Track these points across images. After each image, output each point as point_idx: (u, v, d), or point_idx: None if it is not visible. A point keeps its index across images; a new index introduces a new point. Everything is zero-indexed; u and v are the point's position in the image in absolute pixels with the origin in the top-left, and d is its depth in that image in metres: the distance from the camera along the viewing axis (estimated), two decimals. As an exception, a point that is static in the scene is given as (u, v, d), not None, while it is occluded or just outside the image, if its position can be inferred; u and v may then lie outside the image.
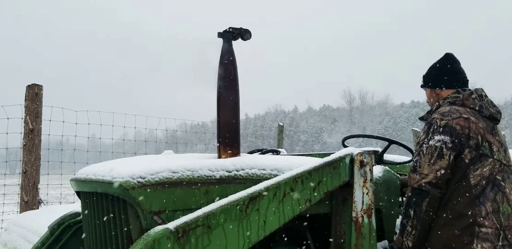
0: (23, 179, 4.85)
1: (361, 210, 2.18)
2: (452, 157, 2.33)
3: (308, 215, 2.24)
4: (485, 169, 2.33)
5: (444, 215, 2.35)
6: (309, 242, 2.34)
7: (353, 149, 2.27)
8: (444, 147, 2.34)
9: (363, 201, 2.19)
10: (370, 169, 2.23)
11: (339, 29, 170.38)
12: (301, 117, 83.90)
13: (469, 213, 2.30)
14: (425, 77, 2.76)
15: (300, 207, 1.97)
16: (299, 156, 2.61)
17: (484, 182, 2.32)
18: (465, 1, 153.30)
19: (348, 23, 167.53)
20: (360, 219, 2.17)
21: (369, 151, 2.26)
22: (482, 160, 2.34)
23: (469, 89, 2.58)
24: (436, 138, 2.37)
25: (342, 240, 2.19)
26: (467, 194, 2.32)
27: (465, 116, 2.39)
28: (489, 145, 2.37)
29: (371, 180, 2.22)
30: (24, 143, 4.88)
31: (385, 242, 2.67)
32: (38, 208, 4.84)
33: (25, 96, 4.94)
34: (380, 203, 2.63)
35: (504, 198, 2.34)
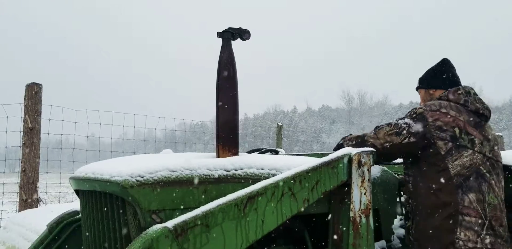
0: (22, 178, 4.85)
1: (359, 209, 2.19)
2: (407, 141, 2.45)
3: (306, 215, 2.25)
4: (464, 160, 2.41)
5: (428, 204, 2.43)
6: (307, 241, 2.35)
7: (352, 149, 2.27)
8: (406, 129, 2.47)
9: (361, 201, 2.20)
10: (368, 169, 2.23)
11: (339, 33, 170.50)
12: (300, 117, 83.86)
13: (452, 202, 2.37)
14: (421, 80, 2.86)
15: (298, 207, 1.98)
16: (298, 156, 2.61)
17: (465, 172, 2.40)
18: (463, 5, 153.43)
19: (348, 28, 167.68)
20: (358, 219, 2.18)
21: (367, 151, 2.26)
22: (460, 151, 2.42)
23: (457, 87, 2.67)
24: (406, 120, 2.52)
25: (339, 240, 2.20)
26: (449, 184, 2.39)
27: (444, 110, 2.48)
28: (469, 137, 2.44)
29: (369, 180, 2.23)
30: (23, 142, 4.88)
31: (382, 242, 2.68)
32: (37, 207, 4.84)
33: (25, 95, 4.94)
34: (378, 203, 2.65)
35: (490, 189, 2.41)
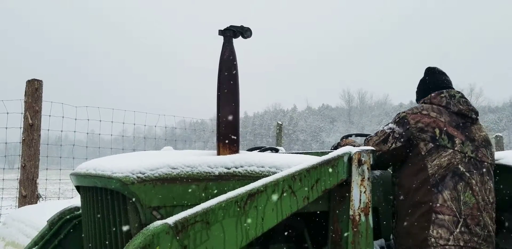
0: (22, 174, 4.86)
1: (359, 208, 2.20)
2: (394, 146, 2.53)
3: (306, 213, 2.26)
4: (443, 159, 2.45)
5: (407, 204, 2.49)
6: (306, 239, 2.36)
7: (351, 147, 2.28)
8: (391, 135, 2.56)
9: (360, 199, 2.20)
10: (368, 168, 2.24)
11: (340, 32, 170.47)
12: (300, 116, 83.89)
13: (427, 201, 2.42)
14: (416, 93, 2.94)
15: (298, 205, 1.99)
16: (298, 154, 2.62)
17: (442, 171, 2.44)
18: (464, 4, 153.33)
19: (349, 27, 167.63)
20: (357, 217, 2.19)
21: (368, 150, 2.27)
22: (439, 151, 2.47)
23: (441, 90, 2.72)
24: (390, 125, 2.61)
25: (339, 238, 2.21)
26: (425, 183, 2.45)
27: (425, 112, 2.56)
28: (449, 137, 2.49)
29: (368, 178, 2.24)
30: (24, 138, 4.88)
31: (381, 241, 2.70)
32: (36, 203, 4.85)
33: (25, 92, 4.95)
34: (377, 202, 2.66)
35: (467, 188, 2.44)
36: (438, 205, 2.40)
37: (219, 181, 1.95)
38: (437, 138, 2.48)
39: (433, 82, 2.80)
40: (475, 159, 2.51)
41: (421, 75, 2.92)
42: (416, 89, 2.92)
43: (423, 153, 2.47)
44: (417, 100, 2.90)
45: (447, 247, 2.35)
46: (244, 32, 2.28)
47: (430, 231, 2.38)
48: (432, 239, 2.36)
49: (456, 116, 2.59)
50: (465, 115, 2.61)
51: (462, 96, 2.69)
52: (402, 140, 2.52)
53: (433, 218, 2.39)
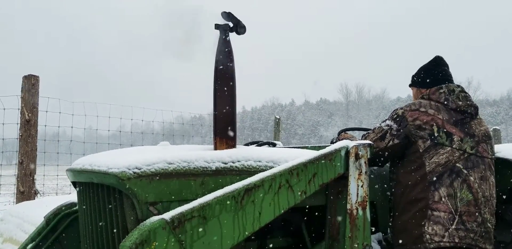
0: (20, 170, 4.85)
1: (356, 202, 2.20)
2: (391, 143, 2.53)
3: (303, 207, 2.26)
4: (441, 157, 2.45)
5: (403, 200, 2.49)
6: (304, 234, 2.35)
7: (349, 141, 2.27)
8: (388, 132, 2.55)
9: (357, 194, 2.20)
10: (365, 162, 2.24)
11: (338, 26, 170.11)
12: (298, 110, 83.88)
13: (423, 197, 2.43)
14: (413, 77, 2.90)
15: (295, 199, 1.98)
16: (295, 148, 2.62)
17: (440, 169, 2.44)
18: (462, 1, 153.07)
19: (347, 21, 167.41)
20: (354, 211, 2.19)
21: (365, 143, 2.26)
22: (437, 149, 2.46)
23: (440, 85, 2.69)
24: (388, 122, 2.60)
25: (336, 232, 2.21)
26: (423, 180, 2.45)
27: (423, 110, 2.53)
28: (447, 135, 2.48)
29: (366, 172, 2.24)
30: (21, 134, 4.87)
31: (379, 235, 2.70)
32: (34, 199, 4.85)
33: (22, 87, 4.92)
34: (375, 196, 2.66)
35: (464, 185, 2.43)
36: (434, 201, 2.40)
37: (216, 176, 1.94)
38: (435, 135, 2.47)
39: (444, 75, 2.76)
40: (475, 155, 2.50)
41: (417, 68, 2.90)
42: (418, 74, 2.85)
43: (421, 150, 2.47)
44: (417, 85, 2.86)
45: (441, 243, 2.35)
46: (239, 28, 2.26)
47: (426, 227, 2.38)
48: (427, 236, 2.37)
49: (455, 112, 2.57)
50: (464, 111, 2.60)
51: (462, 90, 2.67)
52: (399, 137, 2.52)
53: (428, 215, 2.39)
